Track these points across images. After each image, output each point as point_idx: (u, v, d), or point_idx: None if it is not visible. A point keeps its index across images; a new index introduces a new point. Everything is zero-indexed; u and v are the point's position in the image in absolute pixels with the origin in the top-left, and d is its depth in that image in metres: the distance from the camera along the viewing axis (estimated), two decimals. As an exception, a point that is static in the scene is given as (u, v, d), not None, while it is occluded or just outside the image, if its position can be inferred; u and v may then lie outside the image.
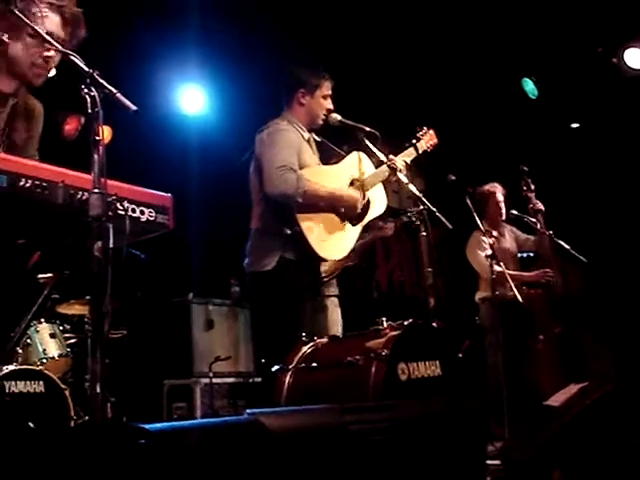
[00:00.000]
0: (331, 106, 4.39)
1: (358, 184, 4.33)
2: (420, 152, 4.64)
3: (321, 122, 4.39)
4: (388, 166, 4.26)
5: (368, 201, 4.34)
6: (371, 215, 4.37)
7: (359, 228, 4.30)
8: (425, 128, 4.77)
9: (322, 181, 4.17)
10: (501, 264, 5.59)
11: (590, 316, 6.20)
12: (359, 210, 4.27)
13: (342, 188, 4.26)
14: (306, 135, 4.36)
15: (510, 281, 5.52)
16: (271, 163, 4.06)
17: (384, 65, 7.16)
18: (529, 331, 5.90)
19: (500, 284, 5.62)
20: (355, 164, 4.41)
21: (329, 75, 4.42)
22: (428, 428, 2.92)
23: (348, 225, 4.25)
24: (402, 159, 4.44)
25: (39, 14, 2.81)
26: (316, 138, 4.48)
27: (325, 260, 4.18)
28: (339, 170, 4.36)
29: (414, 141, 4.65)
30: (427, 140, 4.73)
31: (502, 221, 6.40)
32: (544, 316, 5.97)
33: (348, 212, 4.23)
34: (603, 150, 7.71)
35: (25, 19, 2.71)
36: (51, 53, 2.88)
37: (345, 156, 4.45)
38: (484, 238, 5.86)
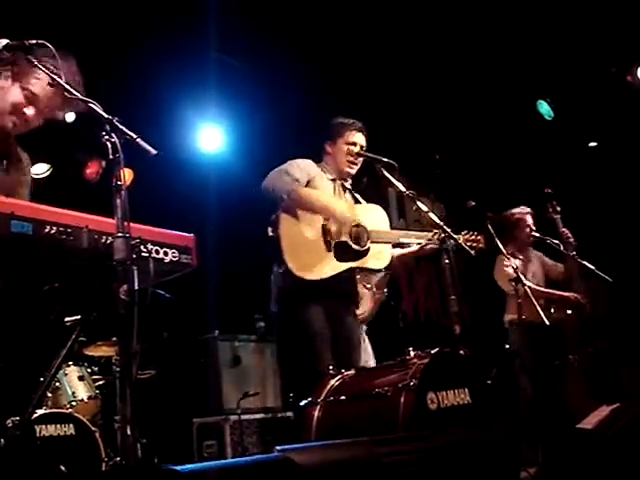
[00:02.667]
0: (357, 151, 4.48)
1: (362, 229, 4.28)
2: (433, 242, 4.41)
3: (348, 168, 4.50)
4: (407, 195, 4.26)
5: (368, 249, 4.28)
6: (365, 263, 4.29)
7: (345, 265, 4.20)
8: (475, 233, 4.64)
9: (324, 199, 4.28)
10: (527, 284, 5.59)
11: (624, 337, 6.14)
12: (347, 229, 4.21)
13: (338, 206, 4.28)
14: (330, 176, 4.49)
15: (536, 304, 5.47)
16: (274, 170, 4.26)
17: (401, 94, 7.20)
18: (561, 353, 5.85)
19: (528, 307, 5.61)
20: (371, 214, 4.42)
21: (358, 125, 4.53)
22: (460, 457, 2.90)
23: (332, 256, 4.17)
24: (404, 238, 4.42)
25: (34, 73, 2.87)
26: (346, 185, 4.56)
27: (291, 272, 4.06)
28: (350, 207, 4.40)
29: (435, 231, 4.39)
30: (465, 238, 4.53)
31: (530, 245, 6.40)
32: (575, 337, 5.92)
33: (336, 228, 4.20)
34: (622, 167, 7.68)
35: (44, 69, 2.76)
36: (30, 112, 2.92)
37: (367, 204, 4.52)
38: (507, 262, 5.89)
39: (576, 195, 7.81)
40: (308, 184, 4.33)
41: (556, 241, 6.10)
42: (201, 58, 6.34)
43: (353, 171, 4.53)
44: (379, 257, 4.35)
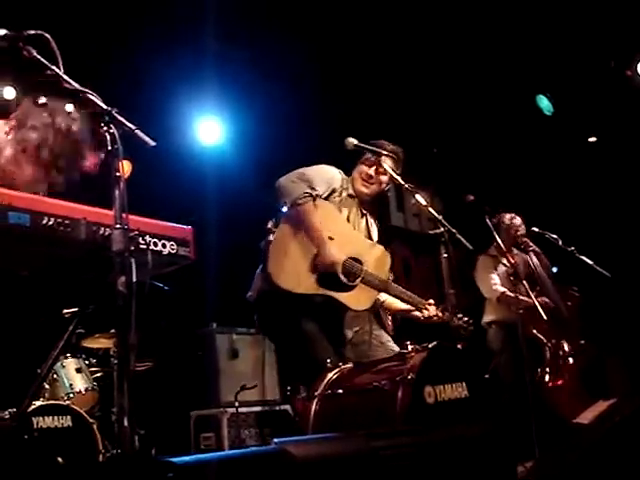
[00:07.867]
0: (371, 172, 4.27)
1: (358, 266, 4.08)
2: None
3: (362, 187, 4.30)
4: (406, 189, 4.23)
5: (355, 287, 4.08)
6: (343, 298, 4.04)
7: (321, 290, 3.99)
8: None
9: (328, 222, 4.06)
10: (502, 290, 5.97)
11: (608, 334, 6.18)
12: (330, 269, 3.96)
13: (330, 242, 3.98)
14: (350, 191, 4.30)
15: (536, 301, 5.47)
16: (298, 170, 4.11)
17: (400, 86, 7.19)
18: (537, 353, 5.87)
19: (506, 307, 5.93)
20: (375, 256, 4.23)
21: (386, 152, 4.29)
22: (457, 451, 2.90)
23: (314, 276, 3.98)
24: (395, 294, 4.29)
25: None
26: (364, 211, 4.39)
27: (272, 281, 3.92)
28: (355, 237, 4.22)
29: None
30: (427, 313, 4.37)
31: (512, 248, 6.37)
32: (550, 336, 5.94)
33: (317, 261, 3.96)
34: (622, 162, 7.69)
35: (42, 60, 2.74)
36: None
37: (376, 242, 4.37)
38: (494, 273, 6.13)
39: (575, 190, 7.82)
40: (330, 195, 4.17)
41: (554, 236, 6.08)
42: (201, 49, 6.32)
43: (367, 191, 4.30)
44: (360, 298, 4.12)
